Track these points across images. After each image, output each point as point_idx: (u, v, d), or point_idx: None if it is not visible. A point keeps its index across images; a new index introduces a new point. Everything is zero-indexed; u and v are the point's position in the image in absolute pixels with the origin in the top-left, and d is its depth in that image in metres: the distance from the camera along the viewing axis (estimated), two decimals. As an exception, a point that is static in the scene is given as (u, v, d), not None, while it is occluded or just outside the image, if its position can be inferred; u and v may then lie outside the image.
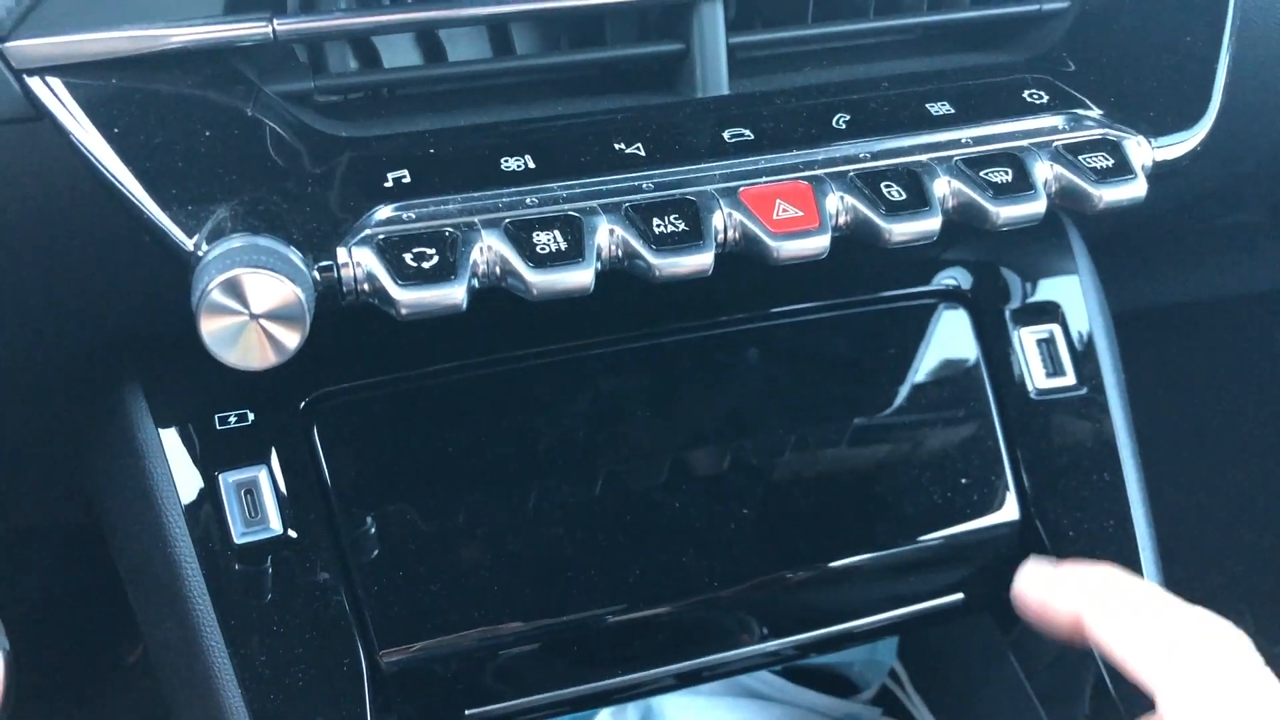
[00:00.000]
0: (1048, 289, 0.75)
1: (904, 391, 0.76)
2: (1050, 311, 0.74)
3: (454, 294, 0.47)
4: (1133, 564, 0.70)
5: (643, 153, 0.53)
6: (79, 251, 0.55)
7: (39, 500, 0.98)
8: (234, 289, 0.44)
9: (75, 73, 0.48)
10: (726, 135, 0.54)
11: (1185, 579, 0.75)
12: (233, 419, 0.63)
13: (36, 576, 1.26)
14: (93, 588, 1.22)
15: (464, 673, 0.65)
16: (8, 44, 0.47)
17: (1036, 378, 0.72)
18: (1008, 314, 0.74)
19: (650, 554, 0.67)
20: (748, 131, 0.55)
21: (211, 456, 0.62)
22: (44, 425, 0.75)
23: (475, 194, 0.50)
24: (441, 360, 0.66)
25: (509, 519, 0.65)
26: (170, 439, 0.63)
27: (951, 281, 0.73)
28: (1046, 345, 0.73)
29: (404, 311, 0.47)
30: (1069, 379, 0.73)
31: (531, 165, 0.52)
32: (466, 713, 0.67)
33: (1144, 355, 0.88)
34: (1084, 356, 0.74)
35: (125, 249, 0.54)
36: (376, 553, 0.63)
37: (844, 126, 0.56)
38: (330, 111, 0.56)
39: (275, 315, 0.44)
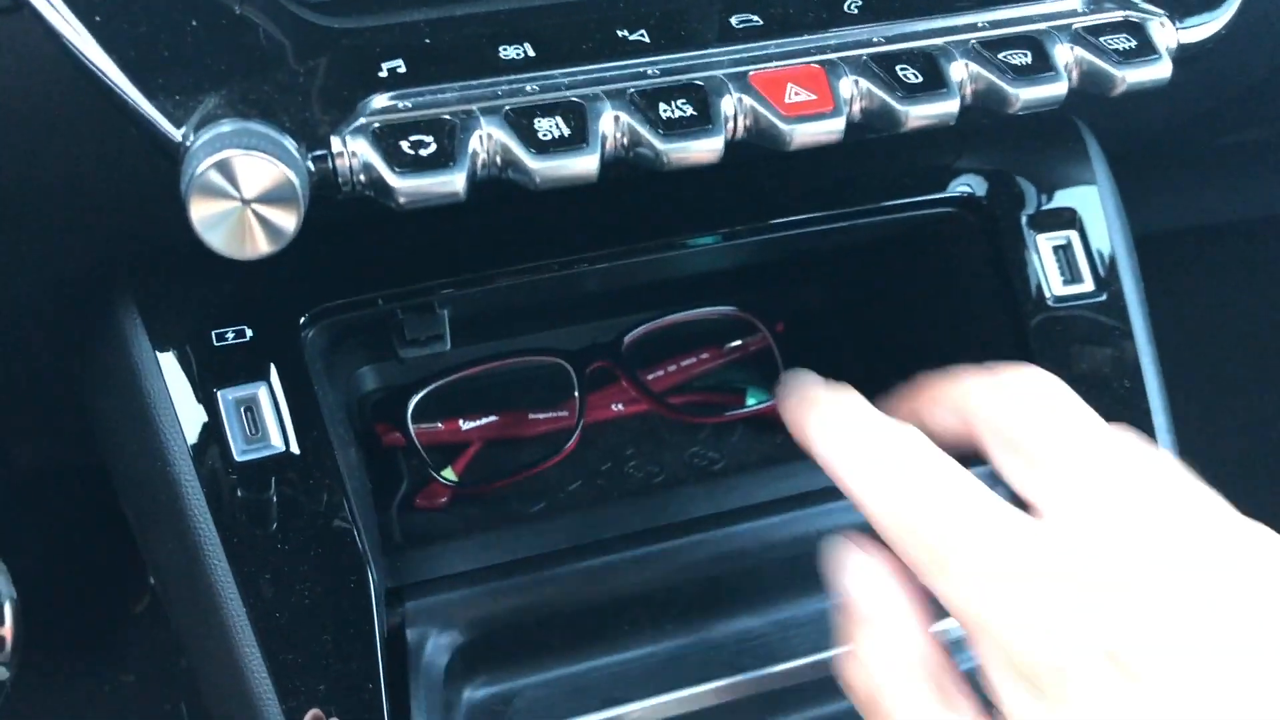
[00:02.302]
0: (1065, 196, 0.73)
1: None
2: (1067, 218, 0.72)
3: (453, 182, 0.45)
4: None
5: (647, 39, 0.51)
6: (64, 156, 0.54)
7: (42, 438, 0.97)
8: (225, 171, 0.42)
9: (53, -41, 0.46)
10: (734, 21, 0.52)
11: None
12: (230, 335, 0.61)
13: (43, 525, 1.26)
14: (99, 536, 1.21)
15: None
16: (-20, -72, 0.45)
17: (1054, 285, 0.71)
18: (1024, 221, 0.71)
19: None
20: (756, 17, 0.52)
21: (210, 374, 0.60)
22: (39, 354, 0.74)
23: (473, 82, 0.48)
24: (443, 274, 0.65)
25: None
26: (167, 358, 0.61)
27: (966, 189, 0.71)
28: (1064, 252, 0.71)
29: (402, 200, 0.45)
30: (1087, 285, 0.71)
31: (531, 53, 0.50)
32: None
33: (1161, 278, 0.86)
34: (1102, 263, 0.72)
35: (112, 149, 0.53)
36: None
37: (856, 11, 0.53)
38: (321, 6, 0.54)
39: (268, 198, 0.42)
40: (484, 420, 0.76)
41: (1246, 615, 0.40)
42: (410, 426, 0.71)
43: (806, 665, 0.65)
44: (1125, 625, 0.40)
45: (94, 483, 0.80)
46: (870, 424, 0.48)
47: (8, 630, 0.94)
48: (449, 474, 0.72)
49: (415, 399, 0.71)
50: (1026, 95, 0.51)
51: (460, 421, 0.75)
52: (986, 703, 0.43)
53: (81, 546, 1.25)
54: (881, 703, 0.46)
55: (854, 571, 0.48)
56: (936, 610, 0.46)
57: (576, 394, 0.73)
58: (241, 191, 0.42)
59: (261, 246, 0.43)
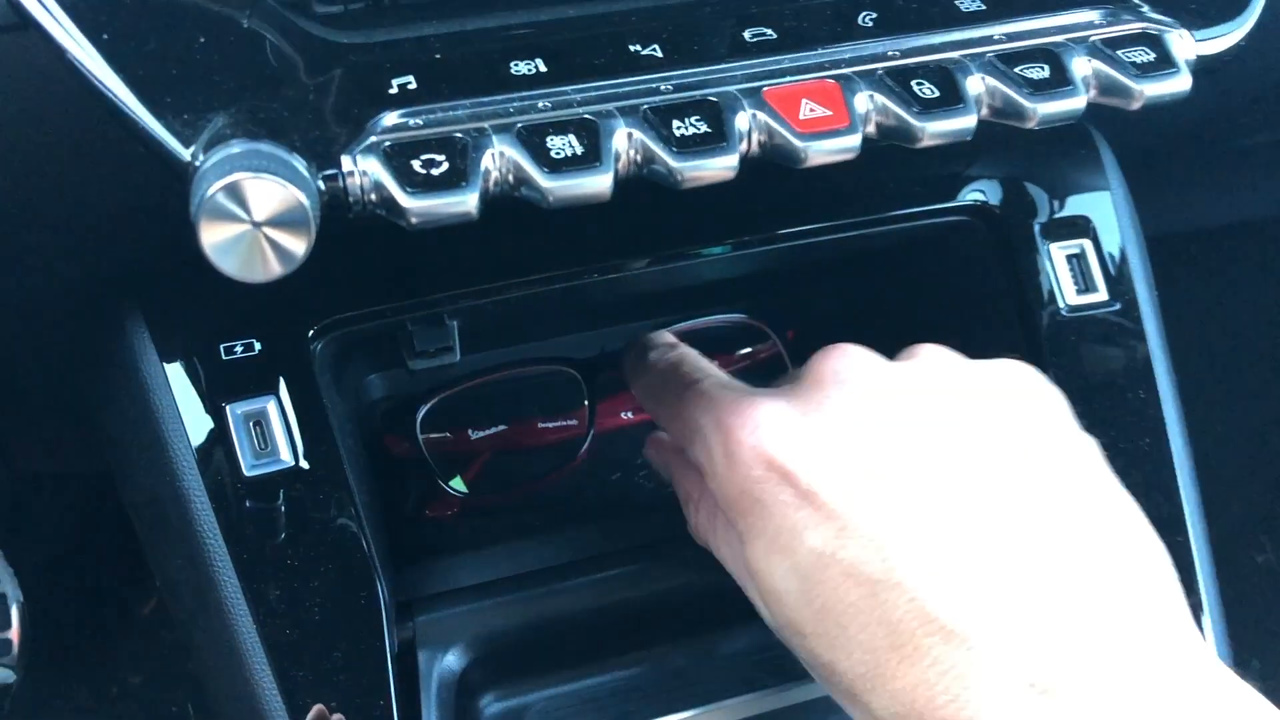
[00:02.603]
0: (1078, 204, 0.72)
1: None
2: (1081, 226, 0.72)
3: (466, 202, 0.45)
4: (1169, 482, 0.68)
5: (660, 54, 0.50)
6: (72, 173, 0.53)
7: (49, 445, 0.97)
8: (235, 195, 0.41)
9: (60, -24, 0.45)
10: (747, 35, 0.52)
11: (1204, 505, 0.73)
12: (239, 349, 0.61)
13: (50, 528, 1.25)
14: (106, 539, 1.21)
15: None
16: (-13, -55, 0.44)
17: (1067, 294, 0.70)
18: (1037, 229, 0.71)
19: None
20: (769, 31, 0.52)
21: (218, 388, 0.60)
22: (47, 364, 0.73)
23: (485, 99, 0.48)
24: (452, 286, 0.64)
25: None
26: (175, 371, 0.61)
27: (979, 197, 0.71)
28: (1077, 261, 0.71)
29: (414, 221, 0.45)
30: (1101, 295, 0.70)
31: (543, 69, 0.49)
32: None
33: (1173, 279, 0.85)
34: (1116, 272, 0.71)
35: (121, 168, 0.52)
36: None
37: (870, 24, 0.53)
38: (331, 21, 0.53)
39: (279, 222, 0.42)
40: (493, 430, 0.75)
41: (902, 449, 0.50)
42: (419, 437, 0.70)
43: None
44: (798, 454, 0.50)
45: (101, 486, 0.80)
46: (646, 346, 0.64)
47: (14, 633, 0.93)
48: (458, 484, 0.72)
49: (424, 410, 0.70)
50: (1045, 110, 0.50)
51: (469, 431, 0.75)
52: None
53: (88, 549, 1.25)
54: (710, 543, 0.59)
55: (652, 458, 0.65)
56: None
57: (586, 402, 0.73)
58: (252, 215, 0.42)
59: (273, 269, 0.43)
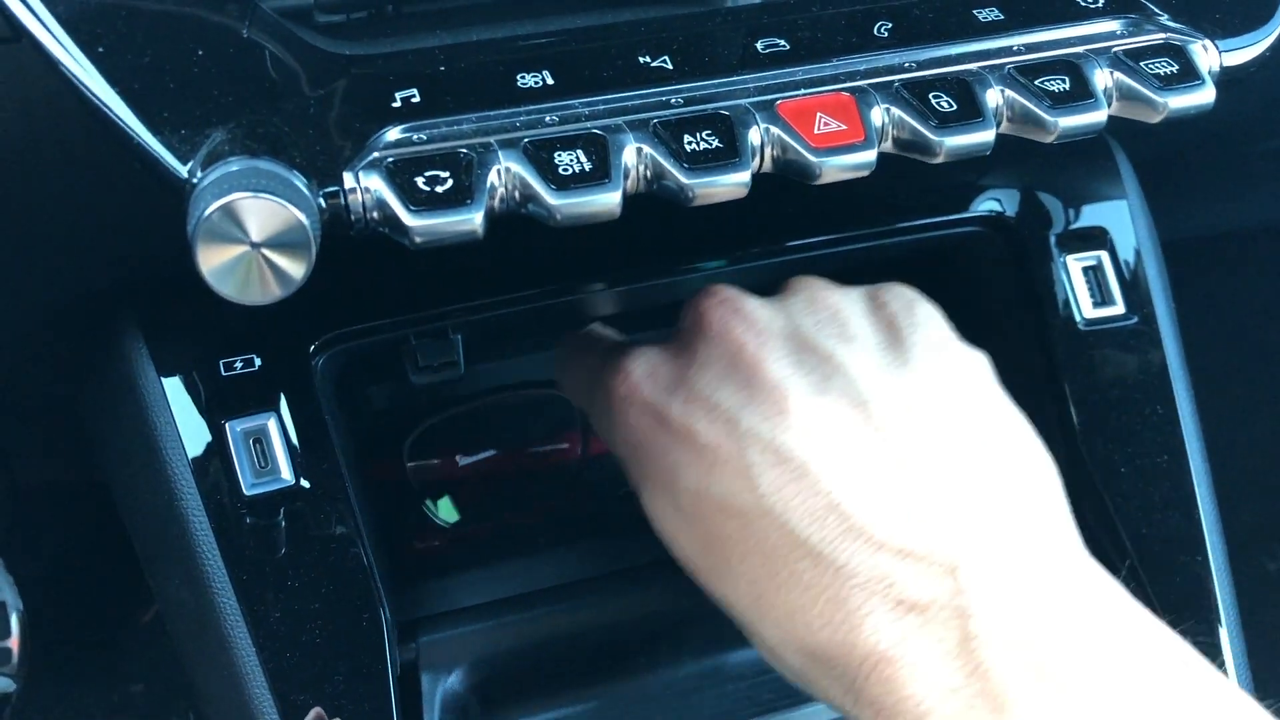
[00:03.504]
0: (1094, 214, 0.71)
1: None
2: (1097, 238, 0.70)
3: (471, 220, 0.43)
4: (1187, 500, 0.67)
5: (670, 66, 0.49)
6: (68, 187, 0.52)
7: (48, 457, 0.96)
8: (232, 216, 0.40)
9: (54, -13, 0.44)
10: (760, 46, 0.50)
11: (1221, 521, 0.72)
12: (239, 365, 0.59)
13: (49, 536, 1.24)
14: (106, 546, 1.19)
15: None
16: (-22, -44, 0.43)
17: (1084, 307, 0.69)
18: (1052, 240, 0.70)
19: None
20: (783, 41, 0.51)
21: (217, 404, 0.59)
22: (44, 377, 0.72)
23: (490, 113, 0.47)
24: (457, 300, 0.63)
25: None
26: (174, 387, 0.59)
27: (994, 207, 0.69)
28: (1094, 273, 0.69)
29: (418, 240, 0.43)
30: (1118, 308, 0.69)
31: (550, 82, 0.48)
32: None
33: (1190, 285, 0.84)
34: (1133, 284, 0.70)
35: (117, 182, 0.51)
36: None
37: (886, 35, 0.51)
38: (332, 31, 0.52)
39: (278, 243, 0.41)
40: (483, 455, 0.74)
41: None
42: (408, 463, 0.69)
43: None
44: (668, 397, 0.52)
45: (102, 494, 0.79)
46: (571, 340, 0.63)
47: (14, 642, 0.92)
48: (448, 509, 0.71)
49: (414, 435, 0.69)
50: (1065, 123, 0.49)
51: (458, 457, 0.73)
52: None
53: (89, 556, 1.24)
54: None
55: None
56: None
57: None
58: (250, 235, 0.40)
59: (272, 291, 0.42)
